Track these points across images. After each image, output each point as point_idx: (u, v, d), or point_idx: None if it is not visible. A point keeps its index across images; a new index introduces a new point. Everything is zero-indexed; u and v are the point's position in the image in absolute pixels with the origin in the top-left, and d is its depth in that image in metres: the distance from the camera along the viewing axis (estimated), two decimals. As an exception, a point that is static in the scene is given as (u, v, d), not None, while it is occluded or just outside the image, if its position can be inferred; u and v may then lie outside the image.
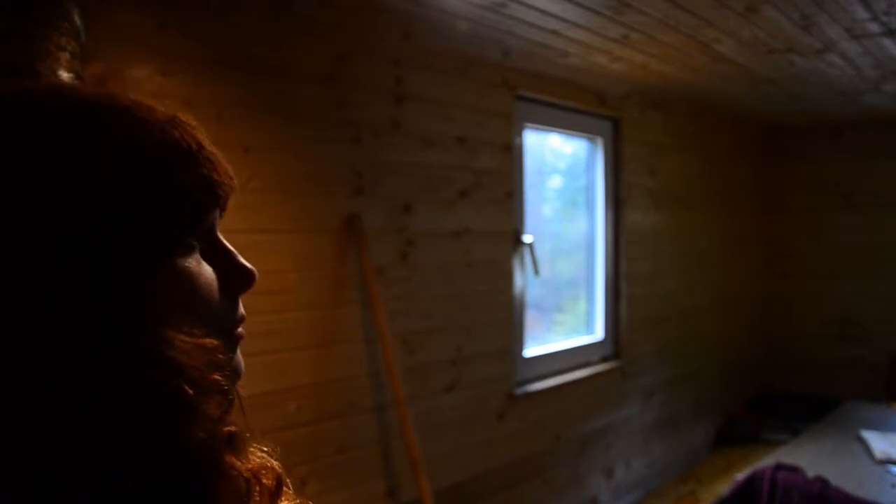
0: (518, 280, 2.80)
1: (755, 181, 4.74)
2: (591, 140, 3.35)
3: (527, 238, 2.83)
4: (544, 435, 2.93)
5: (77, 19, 1.39)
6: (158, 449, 0.38)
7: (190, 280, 0.43)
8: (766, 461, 2.32)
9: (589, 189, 3.39)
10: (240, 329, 0.48)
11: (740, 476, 2.24)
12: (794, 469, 2.16)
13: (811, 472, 2.13)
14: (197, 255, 0.44)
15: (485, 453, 2.64)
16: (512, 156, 2.74)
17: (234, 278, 0.47)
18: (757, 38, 2.50)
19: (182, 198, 0.42)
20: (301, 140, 2.02)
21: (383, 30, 2.24)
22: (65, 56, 1.36)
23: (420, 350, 2.38)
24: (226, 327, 0.46)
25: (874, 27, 2.38)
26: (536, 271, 2.85)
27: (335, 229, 2.11)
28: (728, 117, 4.28)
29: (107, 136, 0.40)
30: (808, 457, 2.36)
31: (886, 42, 2.56)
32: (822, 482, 2.05)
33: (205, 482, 0.40)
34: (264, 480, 0.46)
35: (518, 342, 2.82)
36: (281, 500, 0.47)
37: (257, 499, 0.44)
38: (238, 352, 0.49)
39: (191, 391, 0.39)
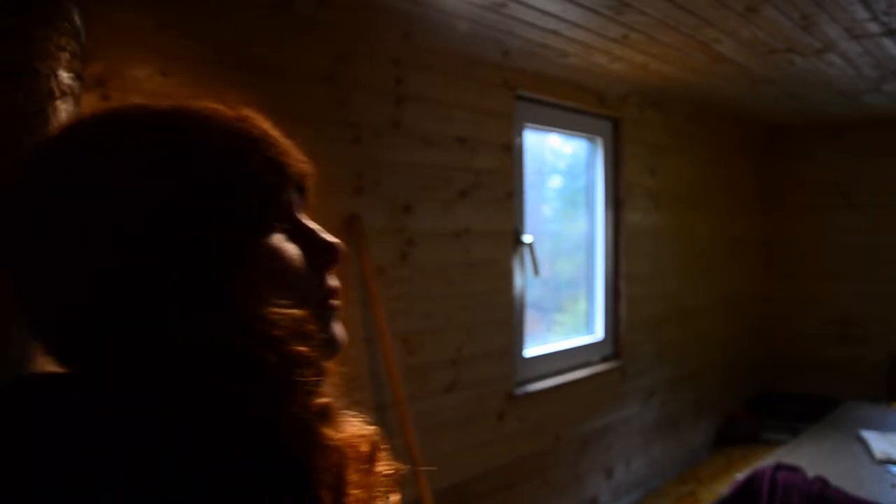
0: (518, 280, 2.80)
1: (755, 181, 4.74)
2: (591, 140, 3.35)
3: (527, 238, 2.83)
4: (544, 435, 2.93)
5: (77, 19, 1.40)
6: (253, 420, 0.41)
7: (275, 257, 0.47)
8: (766, 461, 2.32)
9: (589, 189, 3.39)
10: (333, 301, 0.51)
11: (740, 476, 2.24)
12: (794, 469, 2.16)
13: (811, 472, 2.13)
14: (279, 234, 0.48)
15: (485, 453, 2.64)
16: (512, 156, 2.74)
17: (320, 253, 0.51)
18: (757, 38, 2.50)
19: (254, 179, 0.46)
20: (301, 140, 2.01)
21: (383, 30, 2.24)
22: (65, 56, 1.36)
23: (420, 350, 2.38)
24: (316, 300, 0.49)
25: (874, 27, 2.38)
26: (536, 271, 2.85)
27: (335, 229, 2.11)
28: (728, 117, 4.28)
29: (184, 138, 0.45)
30: (808, 457, 2.36)
31: (886, 42, 2.56)
32: (822, 482, 2.05)
33: (299, 453, 0.42)
34: (361, 448, 0.48)
35: (518, 342, 2.82)
36: (377, 466, 0.49)
37: (354, 467, 0.46)
38: (337, 324, 0.52)
39: (282, 362, 0.42)
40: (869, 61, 2.85)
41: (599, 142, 3.35)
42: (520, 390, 2.80)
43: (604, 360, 3.37)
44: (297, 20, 2.00)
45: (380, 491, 0.48)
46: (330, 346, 0.49)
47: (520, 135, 2.82)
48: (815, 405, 4.12)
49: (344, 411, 0.49)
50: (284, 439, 0.41)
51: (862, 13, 2.23)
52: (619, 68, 2.94)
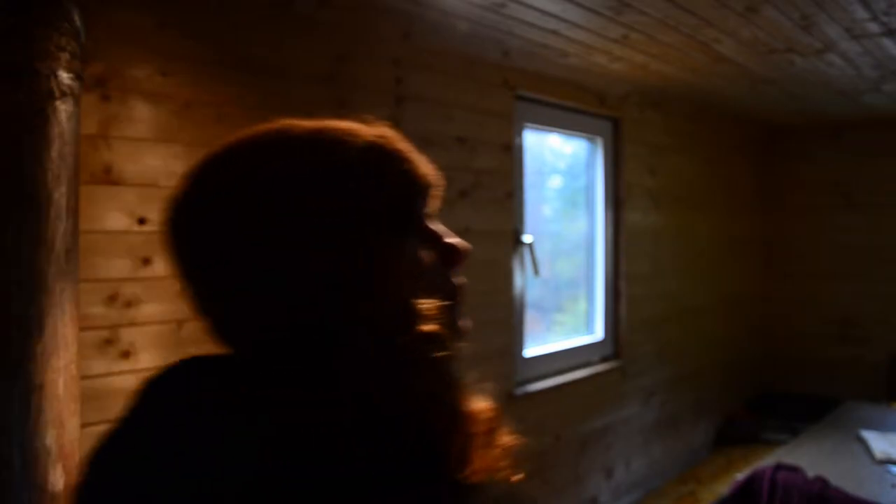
0: (518, 280, 2.80)
1: (755, 181, 4.74)
2: (590, 140, 3.35)
3: (527, 238, 2.83)
4: (544, 435, 2.92)
5: (77, 19, 1.40)
6: (406, 392, 0.49)
7: (413, 258, 0.54)
8: (766, 461, 2.32)
9: (589, 189, 3.39)
10: (460, 296, 0.59)
11: (740, 476, 2.24)
12: (794, 469, 2.16)
13: (811, 472, 2.13)
14: (415, 238, 0.56)
15: (485, 453, 2.64)
16: (512, 156, 2.74)
17: (447, 254, 0.57)
18: (757, 38, 2.50)
19: (395, 192, 0.54)
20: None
21: (383, 30, 2.24)
22: (65, 56, 1.36)
23: (420, 350, 2.38)
24: (448, 294, 0.56)
25: (874, 27, 2.38)
26: (536, 271, 2.85)
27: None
28: (728, 117, 4.28)
29: (335, 159, 0.53)
30: (808, 457, 2.36)
31: (886, 42, 2.56)
32: (822, 482, 2.05)
33: (443, 420, 0.50)
34: (486, 420, 0.55)
35: (518, 342, 2.82)
36: (500, 436, 0.55)
37: (481, 436, 0.53)
38: (462, 315, 0.60)
39: (426, 342, 0.51)
40: (869, 61, 2.85)
41: (599, 142, 3.35)
42: (520, 390, 2.80)
43: (604, 360, 3.37)
44: (297, 20, 2.00)
45: (502, 461, 0.54)
46: (458, 334, 0.58)
47: (520, 135, 2.82)
48: (815, 405, 4.12)
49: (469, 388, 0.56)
50: (433, 408, 0.50)
51: (862, 13, 2.23)
52: (619, 68, 2.94)
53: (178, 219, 0.54)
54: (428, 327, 0.52)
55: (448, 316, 0.54)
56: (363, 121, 0.58)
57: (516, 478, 0.55)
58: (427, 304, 0.52)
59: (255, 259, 0.50)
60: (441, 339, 0.52)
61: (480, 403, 0.56)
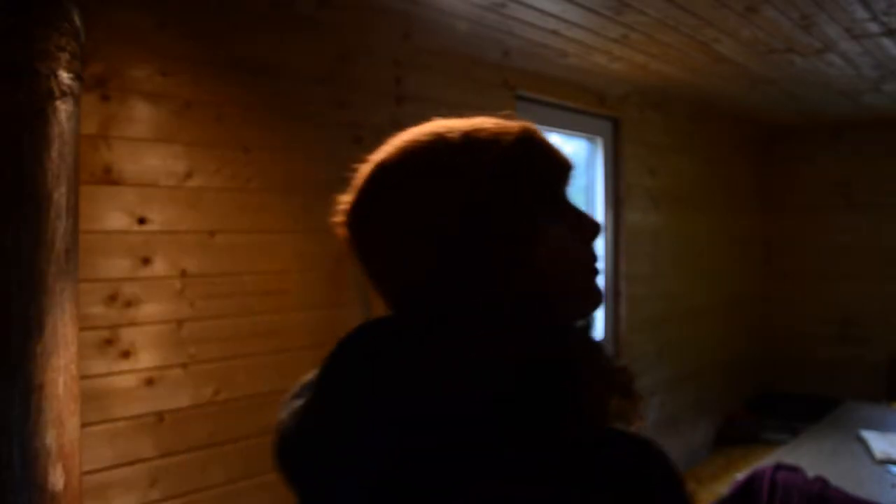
0: (518, 280, 2.80)
1: (755, 181, 4.74)
2: (590, 140, 3.35)
3: (527, 238, 2.83)
4: (544, 435, 2.92)
5: (77, 19, 1.40)
6: (567, 346, 0.59)
7: (560, 228, 0.62)
8: (766, 461, 2.31)
9: (589, 189, 3.39)
10: (596, 262, 0.66)
11: (740, 476, 2.24)
12: (794, 469, 2.15)
13: (811, 472, 2.13)
14: (561, 214, 0.64)
15: (485, 453, 2.64)
16: (512, 156, 2.74)
17: (586, 228, 0.64)
18: (757, 38, 2.50)
19: (544, 175, 0.62)
20: (301, 140, 2.02)
21: (383, 30, 2.24)
22: (65, 56, 1.36)
23: (420, 350, 2.38)
24: (588, 263, 0.64)
25: (874, 27, 2.38)
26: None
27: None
28: (728, 117, 4.28)
29: (496, 150, 0.61)
30: (808, 457, 2.36)
31: (886, 42, 2.56)
32: (822, 482, 2.05)
33: (588, 370, 0.58)
34: (623, 373, 0.63)
35: (518, 342, 2.82)
36: (635, 392, 0.63)
37: (620, 388, 0.61)
38: (599, 281, 0.66)
39: (582, 298, 0.62)
40: (869, 61, 2.85)
41: (599, 142, 3.35)
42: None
43: (604, 360, 3.37)
44: (297, 20, 2.00)
45: (636, 413, 0.63)
46: (598, 298, 0.65)
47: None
48: (815, 405, 4.12)
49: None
50: (583, 362, 0.58)
51: (862, 13, 2.23)
52: (619, 68, 2.94)
53: (360, 219, 0.65)
54: (575, 292, 0.62)
55: (590, 282, 0.63)
56: (503, 117, 0.67)
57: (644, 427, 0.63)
58: (573, 272, 0.62)
59: (439, 249, 0.59)
60: (586, 304, 0.63)
61: (619, 362, 0.64)
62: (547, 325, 0.59)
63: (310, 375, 0.67)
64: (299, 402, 0.63)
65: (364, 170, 0.67)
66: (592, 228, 0.65)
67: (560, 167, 0.64)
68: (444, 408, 0.53)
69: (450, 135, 0.63)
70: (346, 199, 0.67)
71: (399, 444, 0.52)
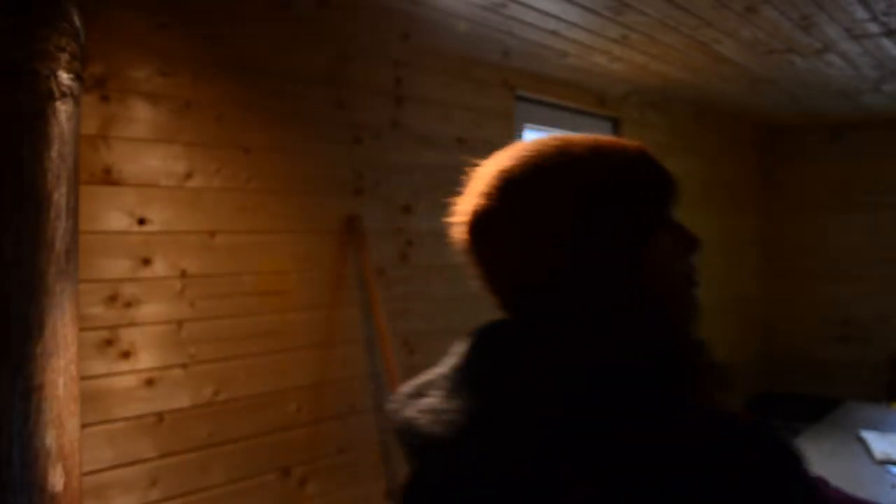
0: (518, 280, 2.80)
1: (755, 181, 4.74)
2: (590, 140, 3.35)
3: (527, 238, 2.83)
4: (544, 435, 2.92)
5: (76, 20, 1.40)
6: (677, 341, 0.67)
7: (666, 241, 0.67)
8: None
9: (589, 189, 3.39)
10: (697, 276, 0.73)
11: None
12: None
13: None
14: (669, 228, 0.68)
15: (485, 454, 2.64)
16: (512, 156, 2.74)
17: (687, 242, 0.71)
18: (757, 38, 2.50)
19: (658, 190, 0.67)
20: (301, 140, 2.02)
21: (383, 30, 2.24)
22: (64, 56, 1.36)
23: (420, 351, 2.38)
24: (690, 275, 0.72)
25: (874, 27, 2.38)
26: (536, 271, 2.85)
27: (335, 230, 2.11)
28: (728, 118, 4.28)
29: (617, 165, 0.66)
30: (808, 457, 2.36)
31: (886, 42, 2.56)
32: (822, 482, 2.05)
33: (694, 363, 0.65)
34: (721, 368, 0.68)
35: (518, 342, 2.82)
36: (730, 383, 0.67)
37: (719, 379, 0.66)
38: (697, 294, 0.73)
39: (686, 303, 0.70)
40: (868, 61, 2.85)
41: (599, 142, 3.35)
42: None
43: (604, 360, 3.37)
44: (296, 21, 2.00)
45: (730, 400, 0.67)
46: (698, 306, 0.72)
47: (520, 135, 2.82)
48: (815, 405, 4.12)
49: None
50: (691, 357, 0.66)
51: (861, 13, 2.23)
52: (619, 69, 2.94)
53: (486, 225, 0.68)
54: (676, 300, 0.69)
55: (690, 292, 0.71)
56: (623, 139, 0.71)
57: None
58: (684, 273, 0.70)
59: (564, 254, 0.64)
60: (687, 312, 0.70)
61: (718, 358, 0.70)
62: (654, 329, 0.65)
63: (426, 377, 0.70)
64: (428, 401, 0.65)
65: (488, 177, 0.71)
66: (694, 242, 0.72)
67: (671, 183, 0.69)
68: (581, 399, 0.57)
69: (575, 146, 0.66)
70: (468, 204, 0.72)
71: (557, 429, 0.56)
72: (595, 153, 0.66)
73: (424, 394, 0.67)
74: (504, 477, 0.56)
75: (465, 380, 0.64)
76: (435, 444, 0.61)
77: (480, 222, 0.70)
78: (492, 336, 0.69)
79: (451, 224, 0.74)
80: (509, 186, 0.68)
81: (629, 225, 0.64)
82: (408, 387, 0.70)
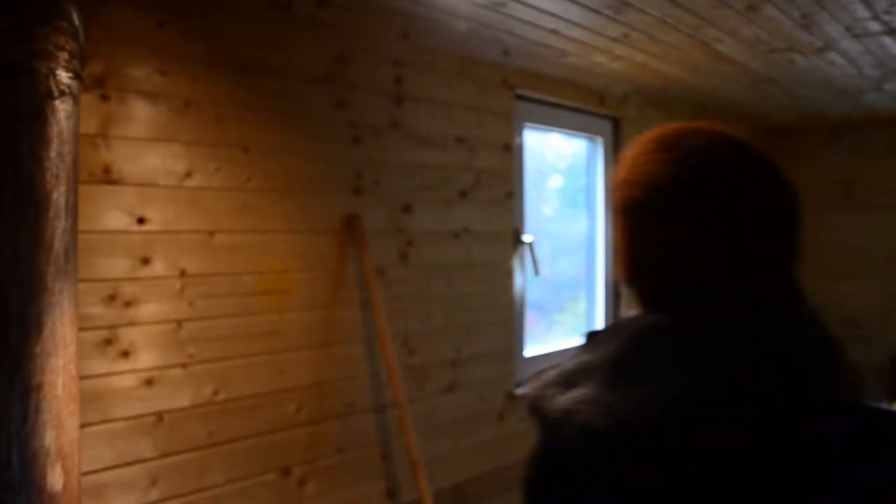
0: (518, 280, 2.79)
1: (756, 181, 4.73)
2: (591, 139, 3.35)
3: (527, 238, 2.83)
4: (545, 435, 2.92)
5: (76, 18, 1.39)
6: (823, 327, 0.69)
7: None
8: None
9: (589, 189, 3.39)
10: None
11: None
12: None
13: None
14: None
15: (485, 454, 2.63)
16: (512, 155, 2.74)
17: None
18: (757, 37, 2.50)
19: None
20: (301, 140, 2.02)
21: (383, 30, 2.23)
22: (63, 55, 1.36)
23: (420, 350, 2.37)
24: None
25: (875, 26, 2.38)
26: (537, 271, 2.84)
27: (335, 229, 2.11)
28: (728, 117, 4.27)
29: (766, 155, 0.74)
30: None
31: (887, 41, 2.56)
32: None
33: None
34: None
35: (518, 342, 2.82)
36: None
37: None
38: None
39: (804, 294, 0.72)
40: (870, 60, 2.84)
41: (600, 141, 3.35)
42: (520, 391, 2.79)
43: (604, 360, 3.36)
44: (296, 20, 2.00)
45: None
46: None
47: (520, 134, 2.81)
48: (816, 405, 4.11)
49: None
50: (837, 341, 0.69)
51: (863, 12, 2.23)
52: (619, 68, 2.93)
53: (653, 211, 0.71)
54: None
55: None
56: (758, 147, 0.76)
57: None
58: None
59: (734, 237, 0.68)
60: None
61: None
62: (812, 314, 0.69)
63: (565, 366, 0.72)
64: (583, 392, 0.66)
65: (652, 170, 0.71)
66: None
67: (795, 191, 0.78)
68: (771, 382, 0.62)
69: (755, 150, 0.73)
70: (631, 193, 0.73)
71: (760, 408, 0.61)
72: (750, 147, 0.74)
73: (575, 384, 0.68)
74: (719, 454, 0.60)
75: (633, 371, 0.65)
76: (598, 435, 0.63)
77: (648, 209, 0.73)
78: (658, 329, 0.68)
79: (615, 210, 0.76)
80: (683, 178, 0.71)
81: (788, 211, 0.72)
82: (546, 375, 0.73)
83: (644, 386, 0.62)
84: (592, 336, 0.74)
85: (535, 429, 0.75)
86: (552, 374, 0.72)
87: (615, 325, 0.72)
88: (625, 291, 3.44)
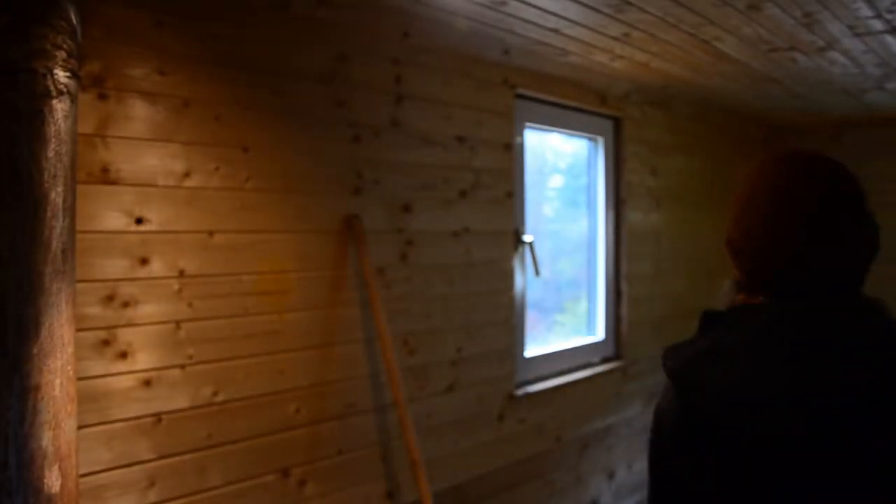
0: (518, 280, 2.79)
1: (757, 180, 4.72)
2: (591, 139, 3.34)
3: (527, 238, 2.82)
4: (545, 436, 2.91)
5: (74, 17, 1.38)
6: None
7: None
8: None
9: (590, 188, 3.38)
10: None
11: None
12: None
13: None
14: None
15: (485, 455, 2.63)
16: (512, 155, 2.73)
17: None
18: (759, 36, 2.49)
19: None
20: (300, 139, 2.01)
21: (383, 28, 2.23)
22: (61, 54, 1.35)
23: (420, 350, 2.37)
24: None
25: (877, 24, 2.37)
26: (537, 271, 2.84)
27: (335, 229, 2.10)
28: (730, 116, 4.26)
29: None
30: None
31: (890, 40, 2.55)
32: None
33: None
34: None
35: (518, 342, 2.81)
36: None
37: None
38: None
39: None
40: (872, 59, 2.83)
41: (600, 141, 3.34)
42: (520, 391, 2.79)
43: (605, 360, 3.36)
44: (295, 19, 1.99)
45: None
46: None
47: (520, 134, 2.81)
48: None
49: None
50: None
51: (865, 10, 2.22)
52: (620, 67, 2.93)
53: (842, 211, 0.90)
54: None
55: None
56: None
57: None
58: None
59: (866, 237, 0.93)
60: None
61: None
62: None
63: (700, 343, 0.86)
64: (730, 367, 0.81)
65: (773, 183, 0.89)
66: None
67: None
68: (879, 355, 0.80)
69: (848, 171, 0.95)
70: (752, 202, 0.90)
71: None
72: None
73: (718, 360, 0.82)
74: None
75: (765, 351, 0.81)
76: (749, 409, 0.78)
77: (839, 209, 0.92)
78: (784, 317, 0.83)
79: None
80: (838, 184, 0.92)
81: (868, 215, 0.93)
82: (684, 349, 0.87)
83: (777, 361, 0.79)
84: (715, 317, 0.88)
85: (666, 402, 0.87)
86: (690, 351, 0.86)
87: (737, 311, 0.88)
88: (625, 291, 3.43)
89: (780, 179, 0.88)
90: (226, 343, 1.83)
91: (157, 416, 1.70)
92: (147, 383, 1.68)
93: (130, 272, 1.66)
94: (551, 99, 2.93)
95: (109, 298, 1.62)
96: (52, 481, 1.21)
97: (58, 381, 1.23)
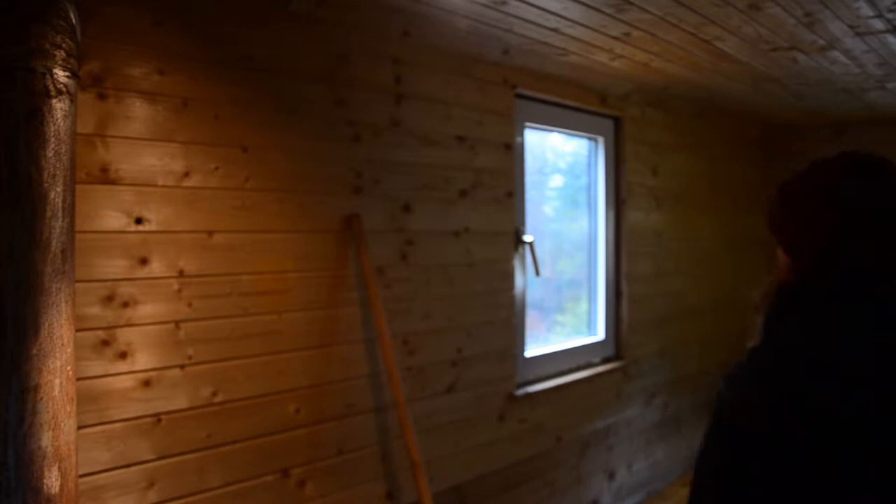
0: (519, 280, 2.78)
1: (758, 180, 4.71)
2: (592, 139, 3.33)
3: (527, 238, 2.82)
4: (545, 436, 2.91)
5: (73, 17, 1.38)
6: None
7: None
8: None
9: (590, 188, 3.37)
10: None
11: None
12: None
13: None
14: None
15: (485, 455, 2.62)
16: (512, 155, 2.73)
17: None
18: (760, 35, 2.48)
19: None
20: (300, 139, 2.01)
21: (383, 28, 2.22)
22: (61, 54, 1.35)
23: (420, 350, 2.36)
24: None
25: (878, 24, 2.36)
26: (537, 271, 2.83)
27: (335, 229, 2.10)
28: (731, 116, 4.26)
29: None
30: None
31: (891, 39, 2.54)
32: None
33: None
34: None
35: (519, 343, 2.81)
36: None
37: None
38: None
39: None
40: (873, 59, 2.83)
41: (601, 141, 3.33)
42: (520, 391, 2.78)
43: (605, 360, 3.35)
44: (295, 18, 1.99)
45: None
46: None
47: (520, 134, 2.80)
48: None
49: None
50: None
51: (866, 10, 2.21)
52: (621, 66, 2.92)
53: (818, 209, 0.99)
54: None
55: None
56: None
57: None
58: None
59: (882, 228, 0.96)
60: None
61: None
62: None
63: (777, 345, 1.03)
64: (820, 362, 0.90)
65: (821, 182, 1.02)
66: None
67: None
68: None
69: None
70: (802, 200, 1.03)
71: None
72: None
73: (825, 358, 0.91)
74: None
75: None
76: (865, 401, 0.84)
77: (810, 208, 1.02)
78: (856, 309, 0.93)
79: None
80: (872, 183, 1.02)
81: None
82: (788, 356, 0.97)
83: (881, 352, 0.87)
84: (784, 313, 1.04)
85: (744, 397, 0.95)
86: (792, 355, 0.95)
87: (819, 307, 0.98)
88: (625, 291, 3.43)
89: (845, 179, 1.01)
90: (225, 343, 1.83)
91: (157, 417, 1.69)
92: (146, 383, 1.68)
93: (130, 272, 1.66)
94: (551, 99, 2.93)
95: (109, 298, 1.62)
96: (52, 482, 1.21)
97: (57, 382, 1.23)
